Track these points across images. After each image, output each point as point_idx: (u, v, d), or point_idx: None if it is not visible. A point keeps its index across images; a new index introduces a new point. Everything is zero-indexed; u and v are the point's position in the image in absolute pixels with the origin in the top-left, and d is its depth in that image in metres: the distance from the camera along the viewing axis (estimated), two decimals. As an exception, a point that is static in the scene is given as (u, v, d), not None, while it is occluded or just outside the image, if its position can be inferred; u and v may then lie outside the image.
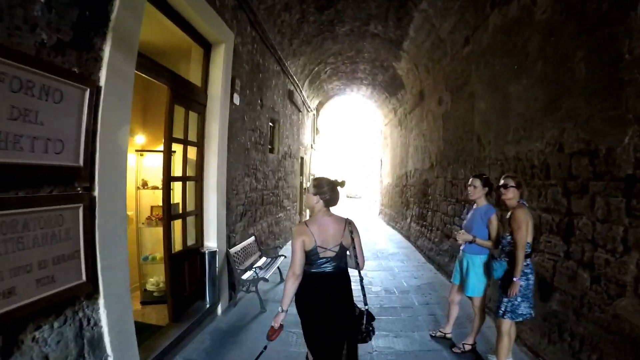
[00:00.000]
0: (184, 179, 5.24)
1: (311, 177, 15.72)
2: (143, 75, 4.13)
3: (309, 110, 15.17)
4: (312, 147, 16.71)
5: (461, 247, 4.63)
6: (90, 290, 2.91)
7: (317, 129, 18.01)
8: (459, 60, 7.76)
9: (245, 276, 6.08)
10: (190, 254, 5.34)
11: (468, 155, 7.10)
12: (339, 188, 3.17)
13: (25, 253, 2.38)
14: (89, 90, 2.79)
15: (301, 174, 14.00)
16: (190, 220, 5.51)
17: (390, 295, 6.82)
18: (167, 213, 4.76)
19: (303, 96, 13.08)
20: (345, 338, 3.07)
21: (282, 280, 7.39)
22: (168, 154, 4.75)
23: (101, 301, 3.03)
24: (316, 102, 16.49)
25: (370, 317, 3.14)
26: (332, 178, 3.24)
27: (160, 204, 5.66)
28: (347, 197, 34.64)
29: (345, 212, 19.79)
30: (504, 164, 5.59)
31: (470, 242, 4.40)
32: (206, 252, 5.45)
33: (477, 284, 4.44)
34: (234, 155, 6.28)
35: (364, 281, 3.36)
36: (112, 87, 3.07)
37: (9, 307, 2.27)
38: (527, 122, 4.97)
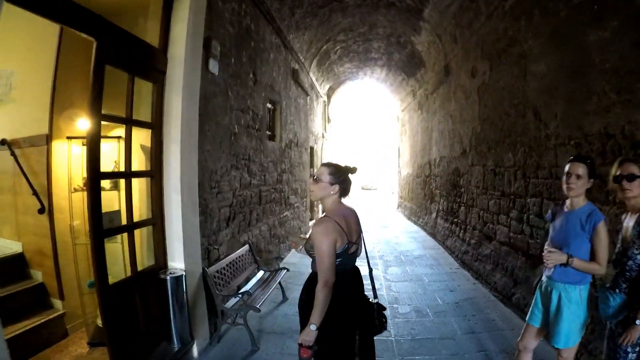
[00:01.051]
0: (127, 175, 3.61)
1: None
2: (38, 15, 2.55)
3: (319, 95, 13.48)
4: (323, 137, 15.00)
5: (547, 273, 2.92)
6: None
7: (328, 117, 16.28)
8: (499, 17, 6.07)
9: (230, 303, 4.42)
10: (145, 280, 3.74)
11: (520, 135, 5.38)
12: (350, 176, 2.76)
13: None
14: None
15: (311, 165, 12.30)
16: (144, 233, 3.96)
17: (423, 318, 5.14)
18: (95, 227, 3.10)
19: (311, 78, 11.39)
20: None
21: (284, 299, 5.76)
22: (95, 139, 3.10)
23: None
24: (326, 87, 14.77)
25: (381, 308, 2.88)
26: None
27: (114, 209, 4.08)
28: (362, 188, 32.92)
29: (361, 205, 18.44)
30: (582, 144, 3.89)
31: (565, 265, 2.69)
32: (168, 278, 3.82)
33: (573, 329, 2.77)
34: (212, 141, 4.66)
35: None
36: None
37: None
38: (623, 80, 3.38)
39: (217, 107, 4.79)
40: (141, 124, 3.79)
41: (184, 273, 3.91)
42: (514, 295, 5.35)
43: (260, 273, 5.67)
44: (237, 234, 5.47)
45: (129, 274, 3.66)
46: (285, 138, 8.64)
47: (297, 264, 7.46)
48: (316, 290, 2.44)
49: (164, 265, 3.99)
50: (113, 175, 4.02)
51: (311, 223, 11.54)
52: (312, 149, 12.46)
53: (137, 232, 3.85)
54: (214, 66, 4.64)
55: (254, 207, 6.26)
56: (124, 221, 3.65)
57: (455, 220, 8.43)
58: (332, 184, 2.64)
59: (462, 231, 7.94)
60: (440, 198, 9.89)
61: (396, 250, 9.22)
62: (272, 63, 7.28)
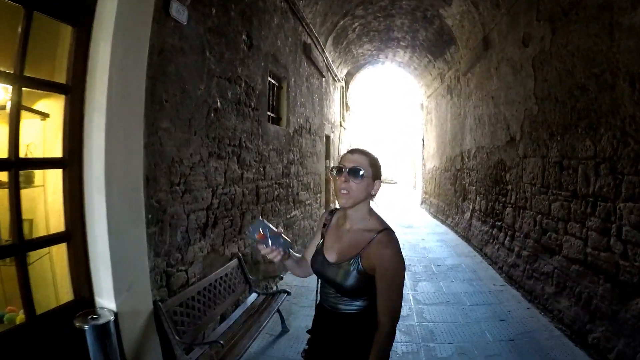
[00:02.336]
0: (11, 164, 2.21)
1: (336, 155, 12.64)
2: None
3: (336, 79, 11.95)
4: (341, 126, 13.47)
5: None
6: None
7: (346, 104, 14.72)
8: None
9: (196, 354, 2.99)
10: (50, 329, 2.33)
11: (605, 115, 3.81)
12: None
13: None
14: None
15: (327, 156, 10.77)
16: (54, 253, 2.69)
17: (471, 367, 3.61)
18: None
19: (326, 58, 9.85)
20: None
21: (284, 330, 4.30)
22: None
23: None
24: (344, 71, 13.22)
25: None
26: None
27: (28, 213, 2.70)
28: (383, 182, 31.20)
29: (380, 200, 16.05)
30: None
31: None
32: (86, 327, 2.35)
33: None
34: (173, 116, 3.25)
35: None
36: None
37: None
38: None
39: (184, 69, 3.35)
40: (45, 86, 2.38)
41: (111, 318, 2.45)
42: (590, 334, 3.82)
43: (253, 296, 4.22)
44: (220, 245, 4.03)
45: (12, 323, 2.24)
46: (294, 122, 7.13)
47: (304, 280, 5.90)
48: (378, 338, 1.65)
49: (89, 303, 2.55)
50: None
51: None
52: (328, 138, 10.93)
53: (53, 252, 2.60)
54: (179, 11, 3.21)
55: (247, 207, 4.79)
56: (4, 236, 2.27)
57: (498, 223, 6.83)
58: (374, 180, 1.79)
59: (508, 238, 6.35)
60: (477, 196, 8.27)
61: (425, 257, 7.64)
62: (275, 29, 5.78)
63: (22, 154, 2.33)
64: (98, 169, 2.46)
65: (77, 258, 2.51)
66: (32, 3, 2.16)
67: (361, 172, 1.67)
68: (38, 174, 2.79)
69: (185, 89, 3.35)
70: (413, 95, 17.38)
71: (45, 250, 2.60)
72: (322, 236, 1.91)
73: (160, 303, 2.89)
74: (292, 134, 6.92)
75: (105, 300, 2.55)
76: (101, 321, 2.40)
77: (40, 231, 2.71)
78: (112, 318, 2.45)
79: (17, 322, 2.48)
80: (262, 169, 5.34)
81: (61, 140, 2.48)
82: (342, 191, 1.68)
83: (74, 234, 2.49)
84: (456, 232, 9.82)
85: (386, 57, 13.45)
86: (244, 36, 4.53)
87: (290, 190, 6.86)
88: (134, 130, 2.67)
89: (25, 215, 2.86)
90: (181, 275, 3.32)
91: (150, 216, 2.86)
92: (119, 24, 2.50)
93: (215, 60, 3.86)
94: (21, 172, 2.74)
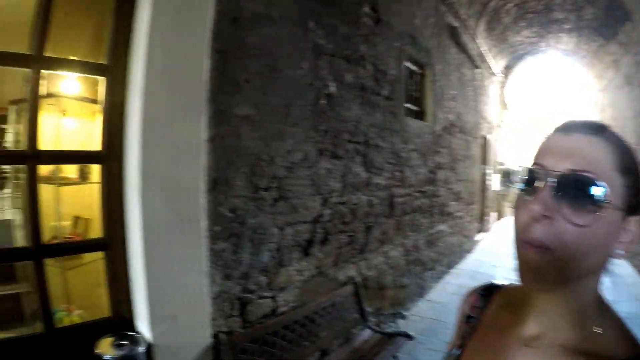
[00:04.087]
0: (26, 157, 1.83)
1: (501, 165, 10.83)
2: None
3: (492, 72, 10.32)
4: (498, 126, 11.71)
5: None
6: None
7: (504, 102, 12.83)
8: None
9: None
10: (72, 347, 1.90)
11: None
12: None
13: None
14: None
15: (483, 161, 9.19)
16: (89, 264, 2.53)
17: None
18: None
19: (478, 45, 8.43)
20: None
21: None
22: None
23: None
24: (500, 63, 11.47)
25: None
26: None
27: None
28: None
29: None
30: None
31: None
32: (107, 357, 1.73)
33: None
34: (259, 100, 2.50)
35: None
36: None
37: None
38: None
39: (273, 42, 2.59)
40: (84, 68, 2.00)
41: (140, 349, 1.82)
42: None
43: (366, 334, 3.23)
44: (330, 267, 3.16)
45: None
46: (442, 119, 5.95)
47: (439, 312, 4.68)
48: None
49: (128, 325, 2.01)
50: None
51: (479, 238, 8.51)
52: (484, 139, 9.37)
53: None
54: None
55: (376, 220, 3.83)
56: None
57: None
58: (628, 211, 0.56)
59: None
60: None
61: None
62: (410, 6, 4.74)
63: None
64: (135, 166, 1.86)
65: (116, 270, 2.00)
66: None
67: (597, 190, 0.55)
68: (95, 169, 2.52)
69: (277, 66, 2.57)
70: (582, 89, 14.64)
71: (99, 254, 2.18)
72: (461, 343, 0.82)
73: (224, 336, 2.18)
74: (439, 131, 5.76)
75: (144, 326, 1.96)
76: (124, 352, 1.78)
77: (95, 232, 2.47)
78: (141, 349, 1.82)
79: (65, 322, 2.46)
80: (398, 173, 4.34)
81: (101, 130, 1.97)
82: (534, 237, 0.56)
83: (112, 242, 1.99)
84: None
85: (548, 45, 11.26)
86: (366, 8, 3.63)
87: (436, 200, 5.70)
88: (188, 118, 1.97)
89: (81, 213, 2.88)
90: (264, 303, 2.55)
91: (218, 228, 2.11)
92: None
93: (325, 33, 3.02)
94: (76, 166, 2.75)
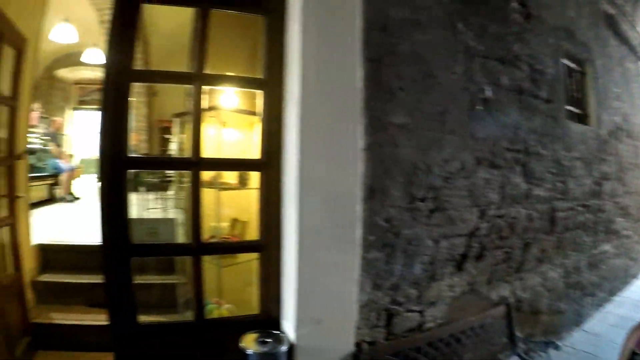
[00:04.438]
0: (190, 164, 2.11)
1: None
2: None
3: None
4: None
5: None
6: None
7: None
8: None
9: None
10: (219, 337, 2.14)
11: None
12: None
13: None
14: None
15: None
16: (243, 264, 2.83)
17: None
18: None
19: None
20: None
21: None
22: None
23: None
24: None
25: None
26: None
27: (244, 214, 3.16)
28: None
29: None
30: None
31: None
32: (250, 351, 1.89)
33: None
34: (413, 108, 2.42)
35: None
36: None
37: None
38: None
39: (424, 48, 2.47)
40: (243, 82, 2.25)
41: (282, 348, 1.93)
42: None
43: None
44: (483, 285, 2.93)
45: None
46: (607, 122, 5.15)
47: (595, 346, 3.97)
48: None
49: (274, 324, 2.15)
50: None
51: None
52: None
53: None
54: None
55: (535, 237, 3.45)
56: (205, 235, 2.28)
57: None
58: None
59: None
60: None
61: None
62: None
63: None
64: (293, 174, 1.93)
65: (268, 272, 2.15)
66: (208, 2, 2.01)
67: None
68: (253, 176, 2.77)
69: (430, 72, 2.45)
70: None
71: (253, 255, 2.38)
72: None
73: (367, 346, 2.14)
74: (605, 136, 5.03)
75: (288, 326, 2.06)
76: (267, 349, 1.90)
77: (254, 234, 2.55)
78: (283, 349, 1.92)
79: (214, 315, 2.70)
80: (560, 185, 3.86)
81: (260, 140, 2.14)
82: None
83: (267, 244, 2.13)
84: None
85: None
86: (514, 3, 3.31)
87: (601, 215, 4.96)
88: (344, 127, 2.00)
89: (239, 216, 3.10)
90: (411, 317, 2.44)
91: (372, 238, 2.07)
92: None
93: (475, 35, 2.81)
94: (236, 173, 2.98)
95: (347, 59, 2.04)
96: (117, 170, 1.94)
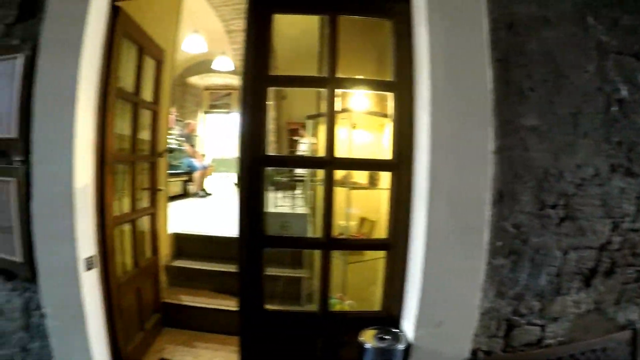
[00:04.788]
0: (323, 163, 2.25)
1: None
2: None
3: None
4: None
5: None
6: (27, 273, 2.31)
7: None
8: None
9: None
10: (344, 330, 2.24)
11: None
12: None
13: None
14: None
15: None
16: (368, 262, 2.95)
17: None
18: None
19: None
20: None
21: None
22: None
23: (41, 285, 2.30)
24: None
25: None
26: None
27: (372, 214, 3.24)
28: None
29: None
30: None
31: None
32: (368, 345, 1.95)
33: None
34: (545, 109, 2.29)
35: None
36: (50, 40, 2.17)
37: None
38: None
39: (554, 46, 2.32)
40: (373, 85, 2.33)
41: (399, 346, 1.95)
42: None
43: None
44: (610, 305, 2.65)
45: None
46: None
47: None
48: None
49: (394, 322, 2.17)
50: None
51: None
52: None
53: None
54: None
55: (673, 256, 3.07)
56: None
57: None
58: None
59: None
60: None
61: None
62: None
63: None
64: (423, 175, 1.93)
65: (393, 270, 2.20)
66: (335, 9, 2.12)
67: None
68: (383, 177, 2.88)
69: (561, 71, 2.30)
70: None
71: (379, 254, 2.53)
72: None
73: (482, 355, 2.12)
74: None
75: (407, 326, 2.08)
76: (385, 345, 1.94)
77: (381, 233, 2.74)
78: (400, 347, 1.94)
79: (336, 308, 2.77)
80: None
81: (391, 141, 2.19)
82: None
83: (395, 244, 2.17)
84: None
85: None
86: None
87: None
88: (474, 129, 1.97)
89: (367, 215, 3.14)
90: (532, 331, 2.31)
91: (499, 243, 2.01)
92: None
93: (606, 29, 2.58)
94: (365, 173, 3.06)
95: (475, 60, 2.01)
96: (256, 167, 2.10)
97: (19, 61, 2.25)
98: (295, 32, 2.54)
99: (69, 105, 2.16)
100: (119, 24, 2.60)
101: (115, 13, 2.55)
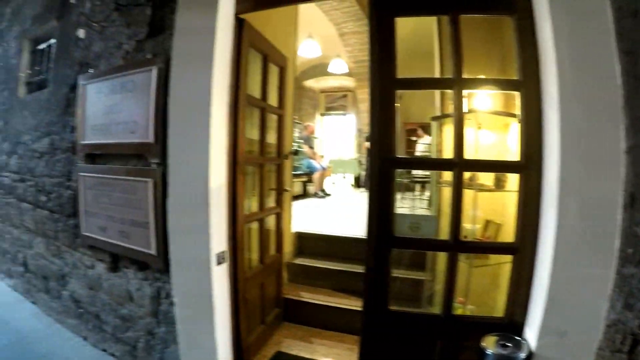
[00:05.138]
0: (457, 164, 2.19)
1: None
2: None
3: None
4: None
5: None
6: (160, 265, 2.59)
7: None
8: None
9: None
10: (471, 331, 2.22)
11: None
12: None
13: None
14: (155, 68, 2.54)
15: None
16: (492, 266, 2.88)
17: None
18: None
19: None
20: None
21: None
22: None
23: (172, 276, 2.53)
24: None
25: None
26: None
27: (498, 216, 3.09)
28: None
29: None
30: None
31: None
32: (489, 352, 1.92)
33: None
34: None
35: None
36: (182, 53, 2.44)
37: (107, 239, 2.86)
38: None
39: None
40: (497, 84, 2.30)
41: (521, 355, 1.90)
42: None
43: None
44: None
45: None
46: None
47: None
48: None
49: (517, 330, 2.10)
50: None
51: None
52: None
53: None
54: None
55: None
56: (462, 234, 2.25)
57: None
58: None
59: None
60: None
61: None
62: None
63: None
64: (552, 177, 1.87)
65: (519, 276, 2.09)
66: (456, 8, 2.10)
67: None
68: (510, 178, 2.80)
69: None
70: None
71: (504, 258, 2.43)
72: None
73: None
74: None
75: (530, 334, 1.99)
76: (506, 352, 1.91)
77: (507, 237, 2.66)
78: (522, 355, 1.89)
79: (459, 312, 2.73)
80: None
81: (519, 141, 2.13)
82: None
83: (522, 248, 2.07)
84: None
85: None
86: None
87: None
88: (604, 128, 1.83)
89: (492, 218, 3.09)
90: None
91: (629, 250, 1.86)
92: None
93: None
94: (492, 175, 2.98)
95: (602, 54, 1.85)
96: (386, 169, 2.16)
97: (154, 73, 2.48)
98: (405, 32, 2.58)
99: (204, 111, 2.32)
100: (245, 35, 2.80)
101: (240, 24, 2.76)
